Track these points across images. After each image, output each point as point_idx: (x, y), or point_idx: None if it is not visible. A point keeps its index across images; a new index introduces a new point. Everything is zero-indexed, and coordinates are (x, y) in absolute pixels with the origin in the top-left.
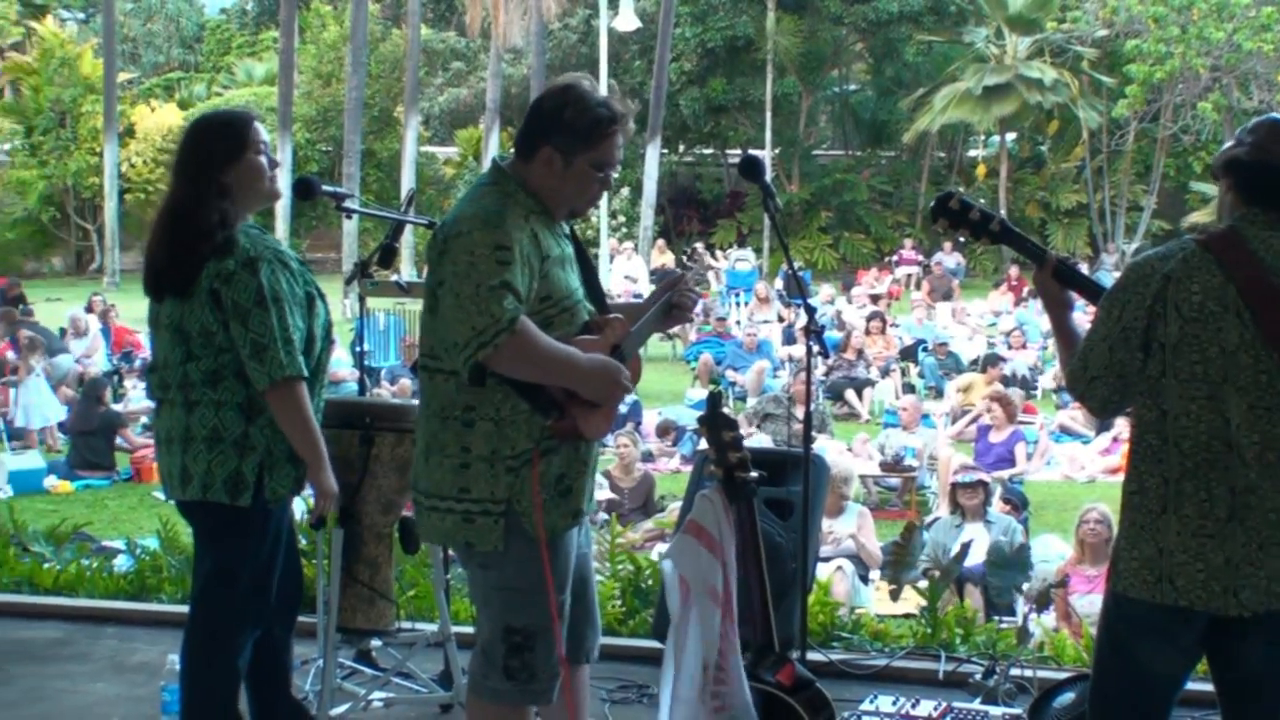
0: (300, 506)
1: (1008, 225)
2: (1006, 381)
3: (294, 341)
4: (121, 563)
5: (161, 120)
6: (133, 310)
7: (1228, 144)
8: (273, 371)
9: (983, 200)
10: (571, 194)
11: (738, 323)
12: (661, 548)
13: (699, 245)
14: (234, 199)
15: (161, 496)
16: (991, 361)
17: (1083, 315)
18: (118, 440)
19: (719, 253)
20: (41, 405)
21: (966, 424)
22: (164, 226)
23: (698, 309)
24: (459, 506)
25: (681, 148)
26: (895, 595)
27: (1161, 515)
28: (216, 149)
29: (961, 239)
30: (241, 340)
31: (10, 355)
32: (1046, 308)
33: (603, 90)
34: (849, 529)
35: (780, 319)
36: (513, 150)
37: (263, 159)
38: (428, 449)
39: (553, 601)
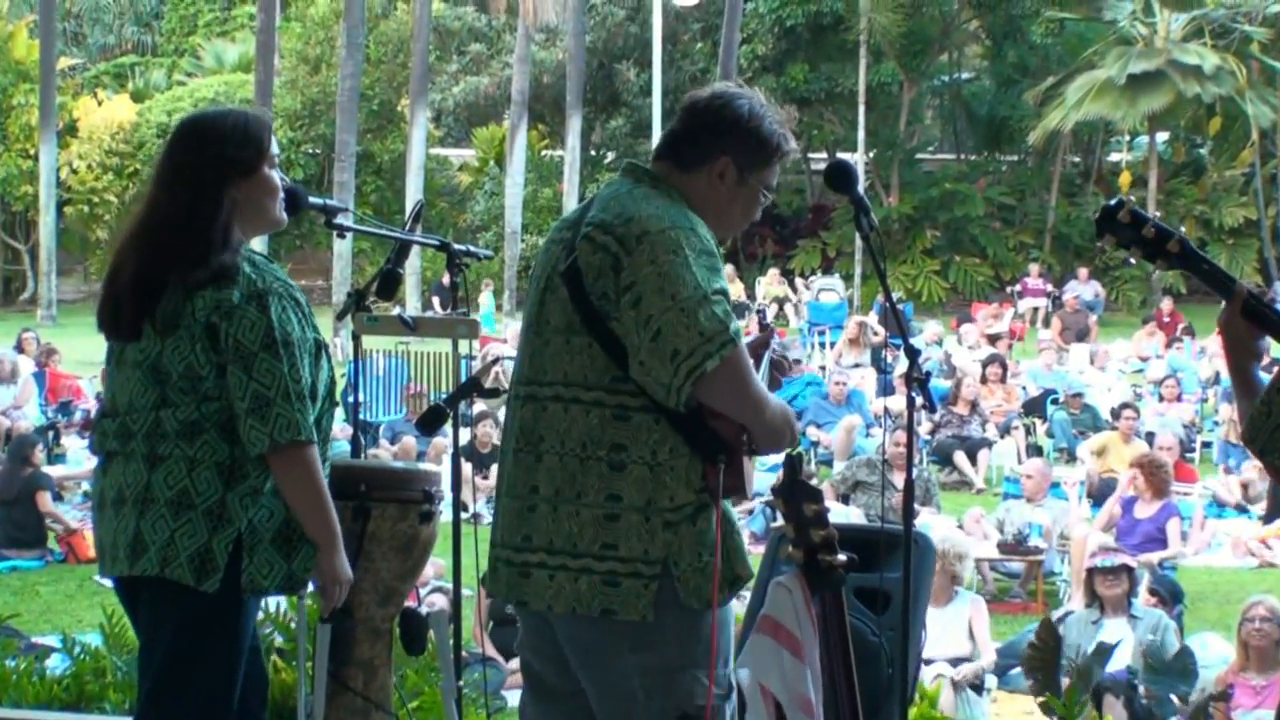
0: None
1: (1190, 246)
2: (1150, 438)
3: (305, 397)
4: (56, 663)
5: (111, 115)
6: (73, 351)
7: None
8: (278, 433)
9: None
10: (737, 214)
11: (821, 368)
12: None
13: (765, 306)
14: (239, 221)
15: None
16: (1118, 412)
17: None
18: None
19: (799, 280)
20: None
21: (1111, 502)
22: (146, 244)
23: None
24: (600, 566)
25: None
26: (1048, 709)
27: None
28: (233, 157)
29: (1130, 260)
30: (240, 390)
31: None
32: (1228, 353)
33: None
34: (959, 621)
35: (875, 363)
36: (657, 158)
37: (276, 175)
38: (557, 494)
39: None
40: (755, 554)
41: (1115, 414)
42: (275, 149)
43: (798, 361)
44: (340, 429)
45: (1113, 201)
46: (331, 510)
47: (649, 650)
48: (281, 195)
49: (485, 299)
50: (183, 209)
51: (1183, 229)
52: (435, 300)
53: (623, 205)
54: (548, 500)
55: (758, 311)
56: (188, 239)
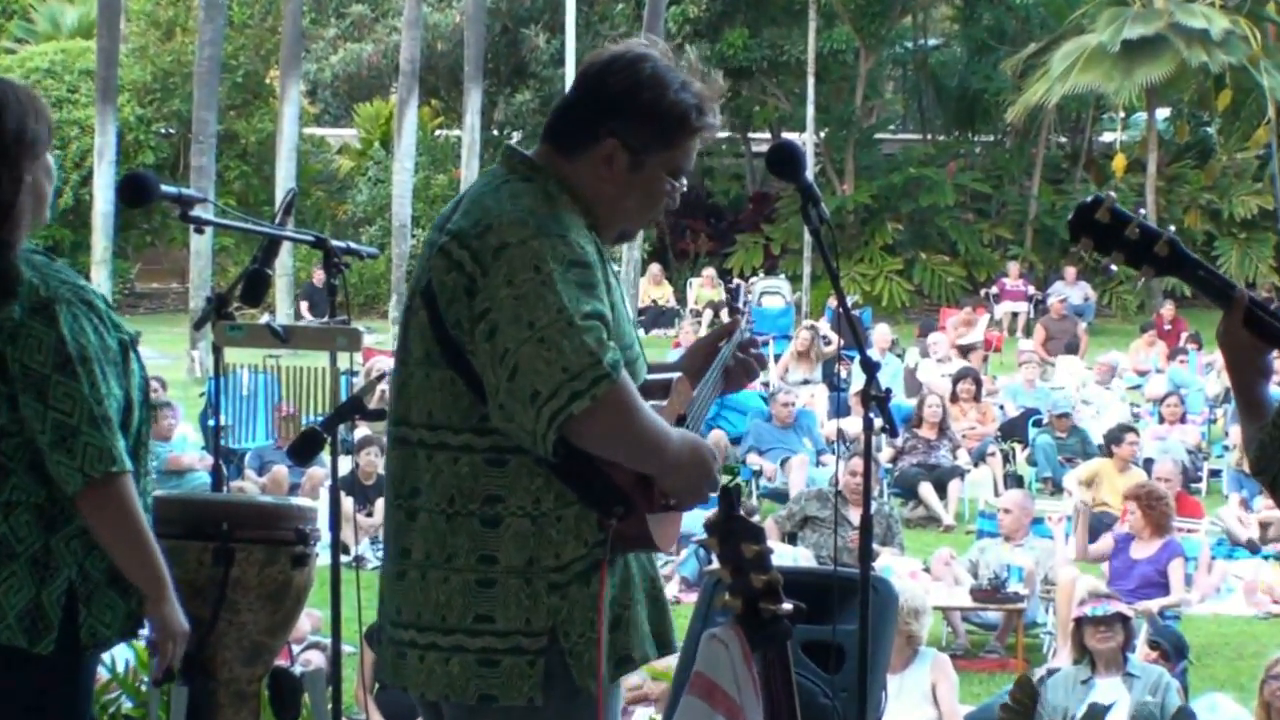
0: (122, 651)
1: (1181, 248)
2: (1148, 466)
3: (113, 420)
4: None
5: None
6: None
7: None
8: (89, 466)
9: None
10: (633, 207)
11: (765, 384)
12: (648, 713)
13: (740, 282)
14: (21, 214)
15: None
16: (1116, 438)
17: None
18: None
19: (739, 282)
20: None
21: (1081, 526)
22: None
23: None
24: (474, 643)
25: None
26: None
27: None
28: (34, 132)
29: (1111, 266)
30: (39, 422)
31: None
32: (1231, 371)
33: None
34: (921, 685)
35: (828, 379)
36: (541, 140)
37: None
38: (427, 558)
39: None
40: (687, 603)
41: (1113, 438)
42: None
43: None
44: (198, 458)
45: (1089, 198)
46: (154, 549)
47: None
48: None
49: None
50: None
51: (1183, 222)
52: (304, 306)
53: (484, 208)
54: (418, 566)
55: (729, 289)
56: None
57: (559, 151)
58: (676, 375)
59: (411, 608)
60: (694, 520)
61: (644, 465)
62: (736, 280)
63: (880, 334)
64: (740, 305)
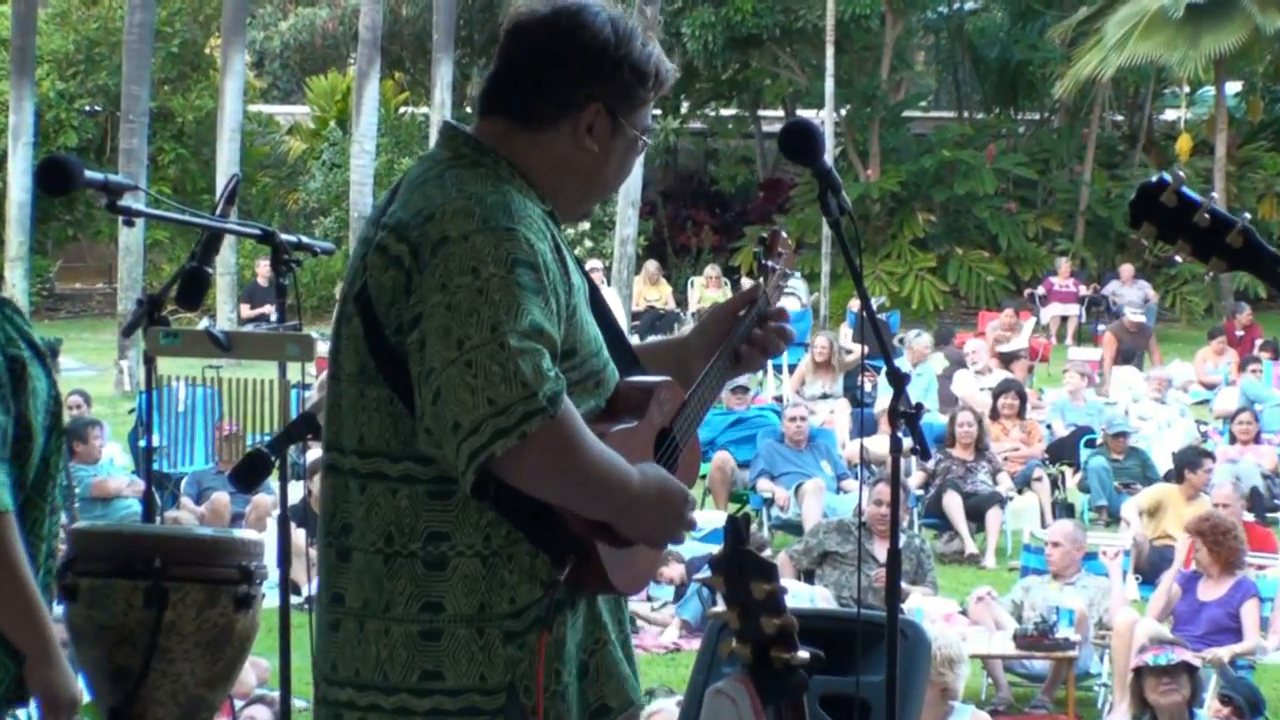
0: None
1: (1257, 239)
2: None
3: None
4: None
5: None
6: None
7: None
8: None
9: None
10: (610, 175)
11: (778, 399)
12: None
13: (781, 221)
14: None
15: None
16: (1190, 462)
17: None
18: None
19: (747, 281)
20: None
21: (1168, 579)
22: None
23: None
24: (422, 704)
25: (685, 107)
26: None
27: None
28: None
29: (1175, 257)
30: None
31: None
32: None
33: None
34: None
35: (850, 393)
36: (485, 114)
37: None
38: (365, 606)
39: None
40: (689, 650)
41: (1187, 462)
42: None
43: (733, 388)
44: (127, 482)
45: (1154, 179)
46: (39, 603)
47: None
48: None
49: None
50: None
51: (1257, 212)
52: (245, 308)
53: (427, 196)
54: (354, 614)
55: (763, 235)
56: None
57: (522, 126)
58: (661, 379)
59: (348, 663)
60: (699, 555)
61: (589, 511)
62: (780, 231)
63: (920, 343)
64: (770, 263)
